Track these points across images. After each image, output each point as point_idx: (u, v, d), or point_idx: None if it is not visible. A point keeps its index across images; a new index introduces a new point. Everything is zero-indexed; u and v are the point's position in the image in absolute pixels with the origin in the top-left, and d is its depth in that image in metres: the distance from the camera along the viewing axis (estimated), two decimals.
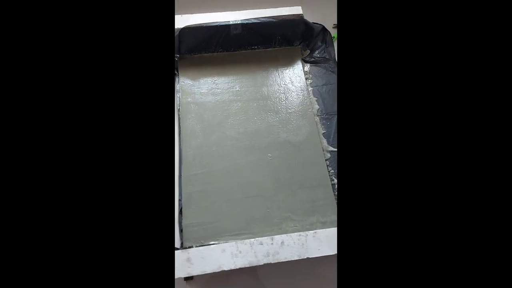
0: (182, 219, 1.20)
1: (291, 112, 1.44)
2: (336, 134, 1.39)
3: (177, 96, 1.45)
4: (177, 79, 1.49)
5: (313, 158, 1.34)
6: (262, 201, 1.24)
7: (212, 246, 1.00)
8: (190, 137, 1.37)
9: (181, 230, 1.18)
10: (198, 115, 1.41)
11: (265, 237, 1.01)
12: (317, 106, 1.46)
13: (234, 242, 1.00)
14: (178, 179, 1.29)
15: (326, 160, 1.33)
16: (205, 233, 1.17)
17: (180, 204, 1.23)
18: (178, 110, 1.41)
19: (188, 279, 1.11)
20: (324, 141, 1.38)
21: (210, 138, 1.37)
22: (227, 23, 1.41)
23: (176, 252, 0.99)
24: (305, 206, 1.22)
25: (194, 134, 1.37)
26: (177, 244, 1.15)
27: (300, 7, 1.47)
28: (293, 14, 1.44)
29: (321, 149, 1.36)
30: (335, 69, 1.55)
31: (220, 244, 1.00)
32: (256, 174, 1.29)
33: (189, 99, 1.45)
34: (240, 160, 1.32)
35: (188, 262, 0.97)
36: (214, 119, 1.41)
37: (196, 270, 0.95)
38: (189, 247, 1.04)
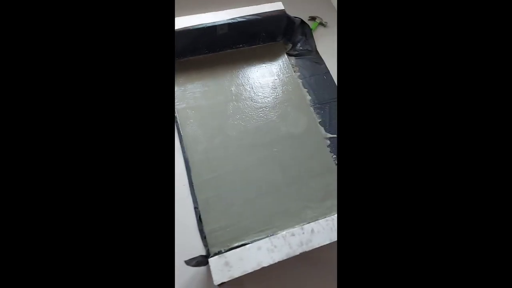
0: (202, 226, 1.19)
1: (286, 105, 1.48)
2: (330, 121, 1.46)
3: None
4: None
5: (315, 146, 1.40)
6: (278, 196, 1.28)
7: (247, 246, 1.01)
8: (194, 143, 1.34)
9: (204, 237, 1.17)
10: (197, 120, 1.39)
11: (296, 228, 1.06)
12: (309, 97, 1.52)
13: (267, 238, 1.03)
14: (190, 188, 1.27)
15: (327, 146, 1.41)
16: (229, 236, 1.17)
17: (197, 212, 1.22)
18: (176, 117, 1.38)
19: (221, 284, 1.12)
20: (322, 129, 1.45)
21: (214, 141, 1.36)
22: (213, 23, 1.39)
23: (212, 259, 0.99)
24: (318, 193, 1.29)
25: (197, 139, 1.35)
26: (202, 251, 1.14)
27: (280, 3, 1.50)
28: (276, 10, 1.48)
29: (321, 137, 1.43)
30: (319, 60, 1.63)
31: (254, 243, 1.02)
32: (266, 170, 1.32)
33: (183, 105, 1.42)
34: (248, 159, 1.34)
35: (227, 266, 0.97)
36: (214, 122, 1.40)
37: (237, 271, 0.97)
38: (219, 252, 1.04)
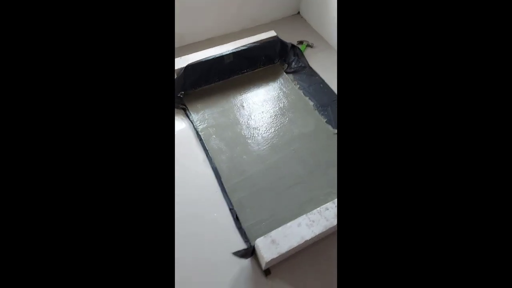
0: (240, 224, 1.28)
1: (293, 111, 1.67)
2: (335, 119, 1.64)
3: (194, 125, 1.59)
4: (188, 112, 1.64)
5: (326, 141, 1.56)
6: (303, 186, 1.40)
7: (288, 224, 1.11)
8: (219, 153, 1.49)
9: (244, 233, 1.26)
10: (218, 135, 1.56)
11: (329, 203, 1.16)
12: (311, 102, 1.72)
13: (305, 215, 1.13)
14: (222, 192, 1.38)
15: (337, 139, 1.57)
16: (266, 228, 1.26)
17: (233, 212, 1.32)
18: (199, 135, 1.55)
19: (267, 273, 1.17)
20: (329, 126, 1.62)
21: (236, 149, 1.51)
22: (221, 54, 1.65)
23: (259, 239, 1.08)
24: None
25: (221, 150, 1.51)
26: (243, 246, 1.22)
27: (273, 31, 1.79)
28: (271, 37, 1.75)
29: (330, 132, 1.59)
30: (313, 73, 1.87)
31: (294, 221, 1.12)
32: (287, 167, 1.46)
33: (205, 125, 1.60)
34: (270, 160, 1.48)
35: (273, 243, 1.06)
36: (233, 134, 1.57)
37: (284, 247, 1.05)
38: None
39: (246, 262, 1.21)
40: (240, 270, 1.20)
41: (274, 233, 1.08)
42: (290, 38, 1.96)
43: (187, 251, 1.23)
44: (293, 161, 1.48)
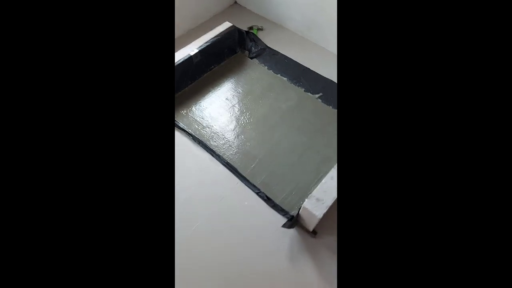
0: (273, 201, 1.34)
1: (273, 90, 1.76)
2: (311, 87, 1.77)
3: (187, 131, 1.57)
4: (175, 121, 1.60)
5: (313, 106, 1.69)
6: (312, 150, 1.50)
7: (323, 179, 1.20)
8: (224, 148, 1.51)
9: (280, 208, 1.32)
10: (214, 132, 1.57)
11: None
12: (284, 78, 1.83)
13: (332, 169, 1.23)
14: (242, 182, 1.41)
15: (321, 102, 1.70)
16: (297, 196, 1.35)
17: (262, 195, 1.36)
18: (196, 138, 1.54)
19: (314, 233, 1.26)
20: (309, 93, 1.75)
21: (240, 139, 1.54)
22: (188, 55, 1.64)
23: (305, 201, 1.15)
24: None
25: (226, 145, 1.52)
26: (283, 220, 1.28)
27: (227, 22, 1.83)
28: (228, 28, 1.79)
29: (313, 98, 1.72)
30: (274, 51, 1.97)
31: (327, 174, 1.22)
32: (291, 138, 1.55)
33: (197, 127, 1.59)
34: (273, 138, 1.55)
35: (318, 201, 1.14)
36: (230, 127, 1.59)
37: (328, 200, 1.14)
38: (298, 210, 1.20)
39: (292, 231, 1.28)
40: (290, 240, 1.26)
41: (315, 192, 1.17)
42: (240, 24, 2.02)
43: (239, 241, 1.25)
44: (293, 133, 1.57)
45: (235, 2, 2.32)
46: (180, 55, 1.63)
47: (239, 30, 1.87)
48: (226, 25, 1.80)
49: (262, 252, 1.23)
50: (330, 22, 1.85)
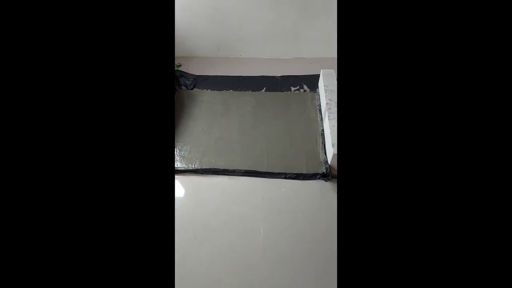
0: (302, 174, 1.56)
1: (228, 102, 1.96)
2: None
3: (188, 166, 1.60)
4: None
5: (273, 99, 1.99)
6: (293, 126, 1.80)
7: (322, 135, 1.51)
8: (232, 162, 1.63)
9: (311, 175, 1.55)
10: (214, 157, 1.66)
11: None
12: (230, 90, 2.06)
13: (324, 123, 1.56)
14: (265, 177, 1.57)
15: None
16: (314, 159, 1.61)
17: (290, 175, 1.56)
18: (203, 170, 1.60)
19: None
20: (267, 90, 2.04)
21: (236, 147, 1.69)
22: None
23: (327, 152, 1.43)
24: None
25: (231, 158, 1.64)
26: (320, 183, 1.52)
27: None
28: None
29: (267, 94, 2.02)
30: (204, 76, 2.17)
31: (321, 131, 1.53)
32: (275, 126, 1.80)
33: (194, 161, 1.64)
34: (261, 132, 1.77)
35: (334, 146, 1.45)
36: (221, 145, 1.71)
37: None
38: (326, 164, 1.47)
39: (327, 184, 1.54)
40: (334, 191, 1.51)
41: (327, 144, 1.46)
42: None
43: (307, 219, 1.41)
44: (271, 121, 1.83)
45: None
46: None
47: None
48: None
49: (328, 215, 1.44)
50: (234, 35, 2.19)
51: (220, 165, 1.61)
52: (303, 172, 1.56)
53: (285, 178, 1.56)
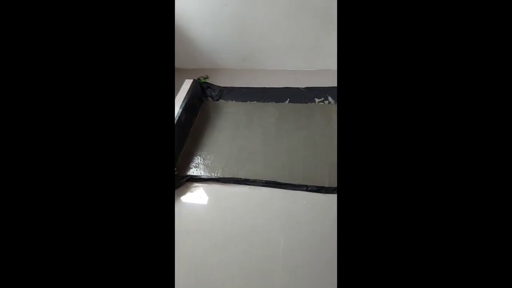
0: (324, 187, 1.54)
1: (252, 113, 2.00)
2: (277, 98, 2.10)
3: (212, 174, 1.64)
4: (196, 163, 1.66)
5: (295, 110, 2.00)
6: (315, 139, 1.79)
7: None
8: (254, 172, 1.65)
9: (334, 188, 1.53)
10: (236, 166, 1.70)
11: None
12: (254, 101, 2.10)
13: None
14: (288, 188, 1.57)
15: None
16: (335, 171, 1.59)
17: (311, 188, 1.55)
18: (224, 179, 1.63)
19: None
20: (286, 101, 2.06)
21: (259, 158, 1.71)
22: (177, 116, 1.75)
23: None
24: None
25: (251, 167, 1.66)
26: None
27: (187, 79, 2.01)
28: (192, 82, 1.97)
29: (289, 105, 2.04)
30: (229, 88, 2.23)
31: None
32: (296, 138, 1.80)
33: (217, 169, 1.68)
34: (284, 144, 1.78)
35: None
36: (243, 155, 1.74)
37: None
38: None
39: None
40: None
41: None
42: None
43: (328, 231, 1.39)
44: (293, 133, 1.84)
45: None
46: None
47: (199, 85, 2.07)
48: (188, 81, 1.98)
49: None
50: (258, 47, 2.24)
51: (242, 175, 1.64)
52: (325, 186, 1.55)
53: (307, 190, 1.55)
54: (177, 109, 1.79)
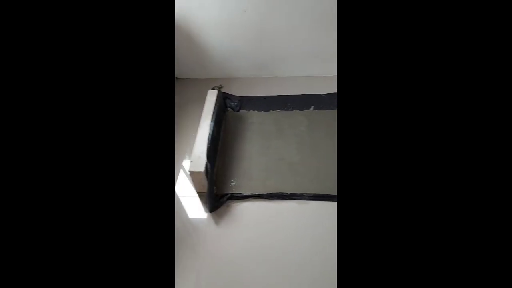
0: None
1: (279, 121, 1.92)
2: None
3: (254, 195, 1.54)
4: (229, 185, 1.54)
5: (321, 117, 1.95)
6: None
7: None
8: (299, 186, 1.57)
9: None
10: (279, 181, 1.60)
11: None
12: (277, 110, 2.02)
13: None
14: (308, 199, 1.50)
15: None
16: None
17: (327, 196, 1.50)
18: (268, 195, 1.53)
19: None
20: (296, 110, 2.00)
21: (301, 169, 1.63)
22: (209, 131, 1.62)
23: None
24: None
25: (294, 180, 1.58)
26: None
27: (210, 90, 1.89)
28: (217, 94, 1.85)
29: (314, 112, 1.98)
30: (248, 97, 2.14)
31: None
32: (328, 144, 1.75)
33: (257, 186, 1.58)
34: (320, 153, 1.71)
35: None
36: (283, 166, 1.65)
37: None
38: None
39: None
40: None
41: None
42: (200, 94, 2.08)
43: None
44: (323, 139, 1.78)
45: (177, 78, 2.37)
46: (203, 134, 1.59)
47: (223, 96, 1.95)
48: (213, 93, 1.86)
49: None
50: (275, 55, 2.18)
51: (286, 189, 1.55)
52: None
53: None
54: (208, 122, 1.66)
